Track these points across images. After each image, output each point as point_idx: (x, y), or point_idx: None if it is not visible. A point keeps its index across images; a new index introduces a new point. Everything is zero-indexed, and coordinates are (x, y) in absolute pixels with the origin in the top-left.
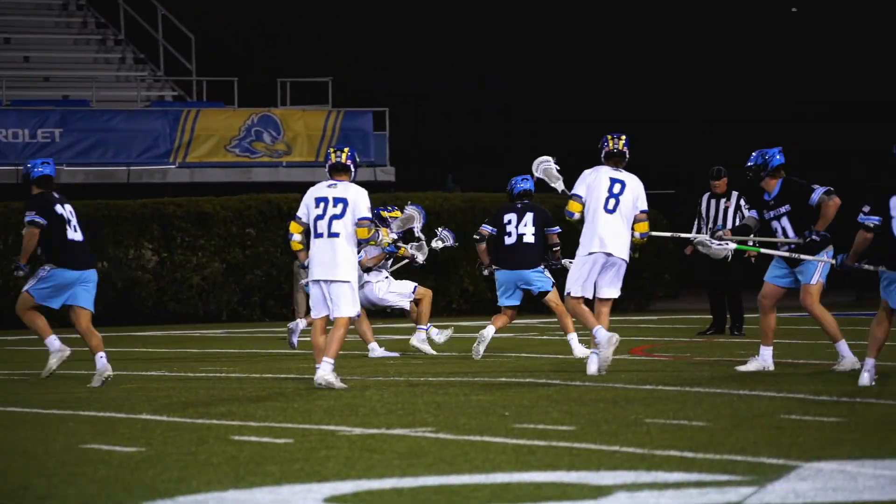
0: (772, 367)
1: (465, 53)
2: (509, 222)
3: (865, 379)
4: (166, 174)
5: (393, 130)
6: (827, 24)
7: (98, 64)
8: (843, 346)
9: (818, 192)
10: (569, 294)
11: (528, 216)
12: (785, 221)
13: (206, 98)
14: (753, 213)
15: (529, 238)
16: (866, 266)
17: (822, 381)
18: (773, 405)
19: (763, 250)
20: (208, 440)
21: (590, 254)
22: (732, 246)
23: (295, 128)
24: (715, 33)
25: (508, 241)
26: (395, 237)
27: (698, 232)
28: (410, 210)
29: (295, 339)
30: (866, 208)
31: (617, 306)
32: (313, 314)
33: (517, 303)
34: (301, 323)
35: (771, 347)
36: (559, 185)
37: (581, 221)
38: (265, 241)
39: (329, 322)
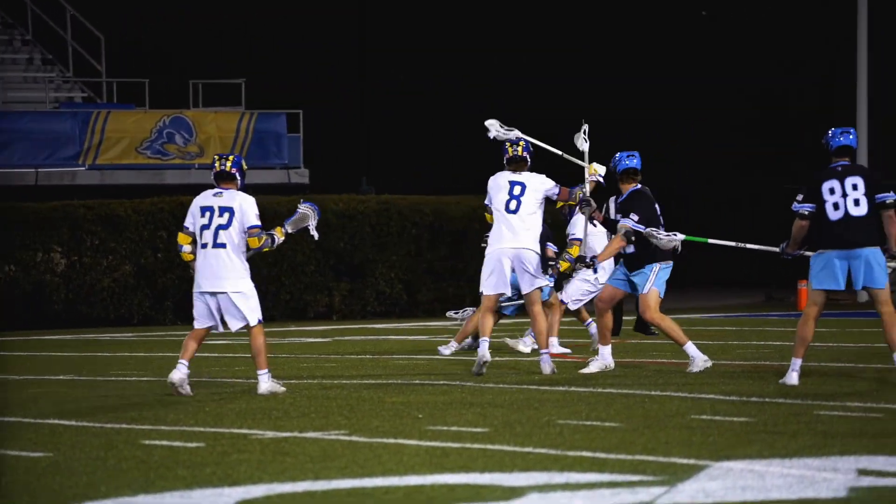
0: (612, 366)
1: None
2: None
3: (794, 378)
4: (76, 176)
5: (307, 132)
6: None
7: (5, 64)
8: (690, 348)
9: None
10: (482, 293)
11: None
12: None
13: (117, 99)
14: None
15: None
16: (807, 252)
17: (732, 381)
18: (685, 405)
19: (711, 241)
20: (117, 445)
21: (495, 249)
22: (680, 237)
23: (207, 130)
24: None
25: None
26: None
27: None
28: (304, 208)
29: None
30: (800, 196)
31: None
32: (196, 324)
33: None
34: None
35: (609, 346)
36: (513, 134)
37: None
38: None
39: (208, 333)
